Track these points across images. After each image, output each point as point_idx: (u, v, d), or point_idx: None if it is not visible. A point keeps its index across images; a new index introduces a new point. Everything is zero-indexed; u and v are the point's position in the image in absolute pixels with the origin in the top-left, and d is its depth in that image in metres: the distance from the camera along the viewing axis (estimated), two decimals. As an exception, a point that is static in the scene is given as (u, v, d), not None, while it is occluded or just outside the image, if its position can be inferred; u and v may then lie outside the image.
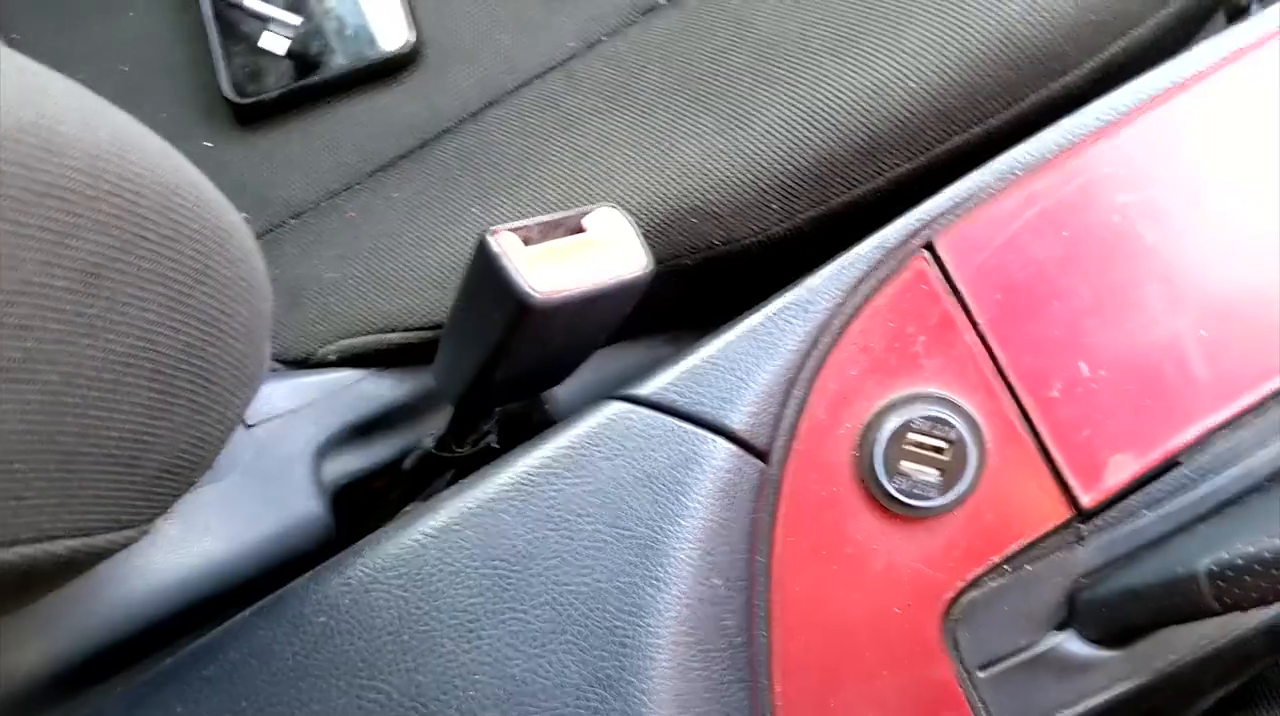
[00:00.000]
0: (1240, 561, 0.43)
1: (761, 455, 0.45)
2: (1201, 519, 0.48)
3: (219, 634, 0.43)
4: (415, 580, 0.42)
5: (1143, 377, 0.46)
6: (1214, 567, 0.43)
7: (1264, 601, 0.40)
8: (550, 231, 0.42)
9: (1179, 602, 0.44)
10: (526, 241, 0.41)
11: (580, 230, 0.42)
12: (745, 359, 0.45)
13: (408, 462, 0.54)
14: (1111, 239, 0.46)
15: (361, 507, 0.55)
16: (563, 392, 0.58)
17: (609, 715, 0.41)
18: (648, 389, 0.44)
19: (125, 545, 0.39)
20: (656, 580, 0.42)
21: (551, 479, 0.43)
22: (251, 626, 0.43)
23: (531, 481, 0.43)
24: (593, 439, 0.44)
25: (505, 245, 0.40)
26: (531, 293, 0.39)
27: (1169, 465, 0.48)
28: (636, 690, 0.41)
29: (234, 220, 0.40)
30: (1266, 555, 0.43)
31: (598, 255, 0.42)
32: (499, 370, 0.43)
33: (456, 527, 0.43)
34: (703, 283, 0.54)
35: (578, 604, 0.42)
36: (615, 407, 0.44)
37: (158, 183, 0.35)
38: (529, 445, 0.44)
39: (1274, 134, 0.47)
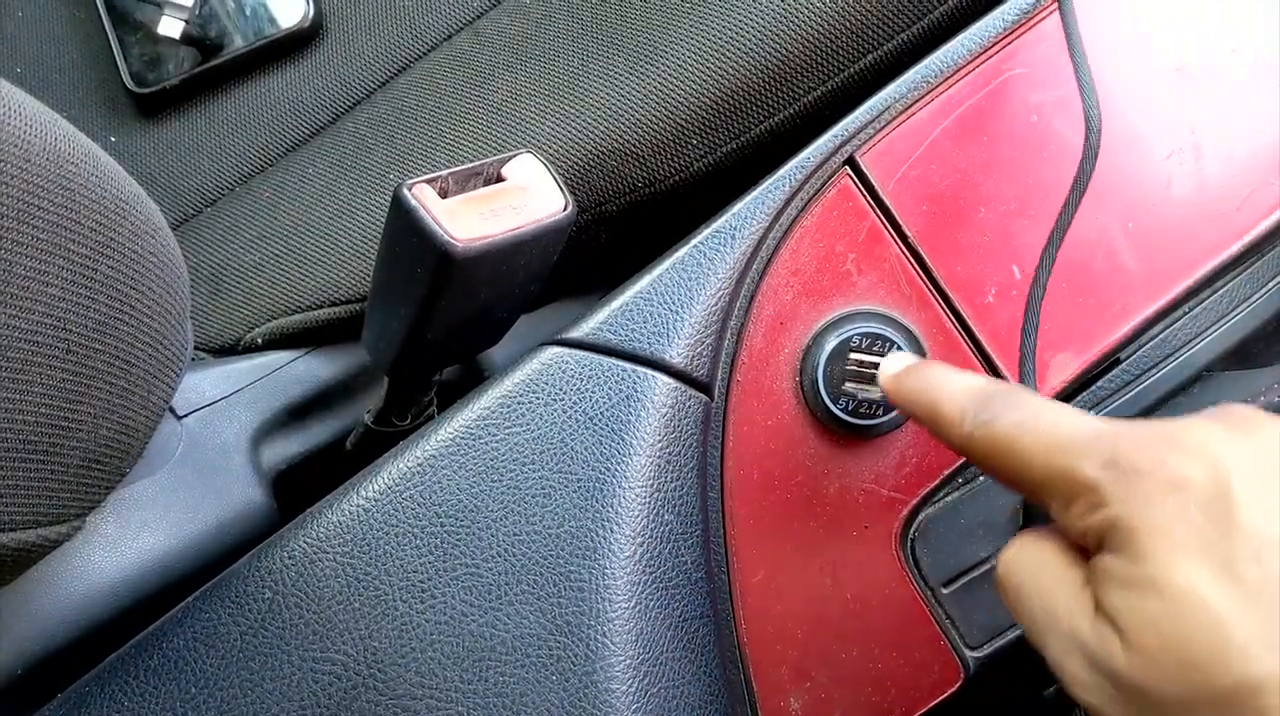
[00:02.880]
0: (1186, 446, 0.43)
1: (704, 388, 0.44)
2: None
3: (162, 623, 0.42)
4: (361, 545, 0.41)
5: (1075, 276, 0.46)
6: (1162, 455, 0.43)
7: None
8: (467, 181, 0.41)
9: (1131, 495, 0.44)
10: (443, 193, 0.40)
11: (500, 179, 0.42)
12: (677, 292, 0.44)
13: (350, 442, 0.53)
14: (1030, 139, 0.46)
15: (308, 494, 0.54)
16: (500, 357, 0.57)
17: (572, 661, 0.40)
18: (581, 330, 0.44)
19: (58, 542, 0.37)
20: (607, 521, 0.41)
21: (491, 430, 0.42)
22: (195, 611, 0.41)
23: (470, 434, 0.42)
24: (529, 386, 0.43)
25: (422, 197, 0.39)
26: (452, 242, 0.38)
27: (1110, 363, 0.48)
28: (597, 633, 0.40)
29: (135, 192, 0.38)
30: (1211, 436, 0.43)
31: (517, 201, 0.41)
32: (429, 329, 0.42)
33: (399, 488, 0.42)
34: (631, 230, 0.53)
35: (529, 552, 0.41)
36: (550, 352, 0.43)
37: (49, 150, 0.34)
38: (465, 399, 0.43)
39: (1181, 20, 0.47)
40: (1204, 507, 0.28)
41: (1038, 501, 0.33)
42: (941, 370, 0.38)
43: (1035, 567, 0.33)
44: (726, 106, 0.49)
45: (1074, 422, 0.32)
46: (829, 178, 0.46)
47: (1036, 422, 0.33)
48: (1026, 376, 0.43)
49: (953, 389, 0.36)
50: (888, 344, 0.45)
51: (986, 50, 0.46)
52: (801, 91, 0.49)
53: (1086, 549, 0.32)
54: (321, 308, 0.52)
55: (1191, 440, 0.30)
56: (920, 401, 0.38)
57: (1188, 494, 0.29)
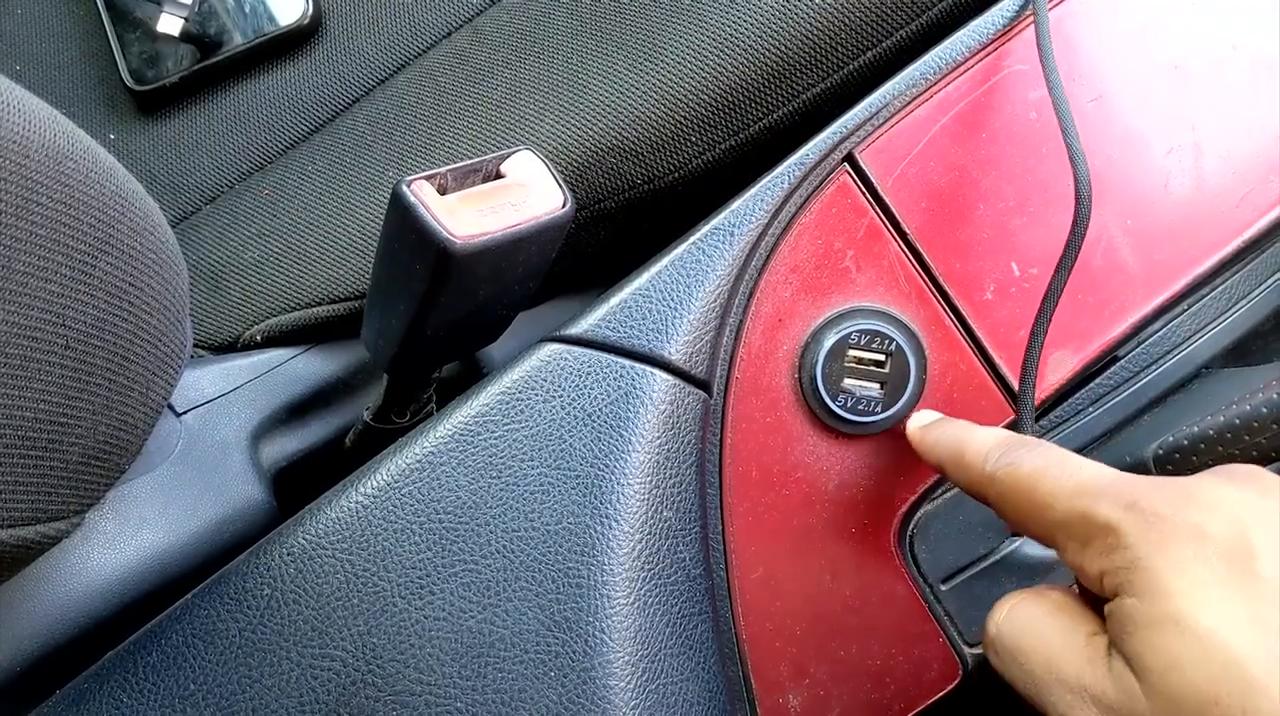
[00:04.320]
0: (1186, 442, 0.43)
1: (702, 384, 0.44)
2: (1145, 410, 0.48)
3: (161, 620, 0.42)
4: (360, 542, 0.41)
5: (1074, 273, 0.46)
6: (1160, 451, 0.43)
7: (1211, 478, 0.41)
8: (466, 178, 0.41)
9: (1130, 492, 0.44)
10: (442, 190, 0.40)
11: (499, 176, 0.42)
12: (675, 288, 0.44)
13: (349, 439, 0.53)
14: (1029, 137, 0.46)
15: (307, 491, 0.54)
16: (499, 354, 0.57)
17: (570, 657, 0.40)
18: (580, 327, 0.44)
19: (57, 538, 0.37)
20: (606, 517, 0.41)
21: (489, 427, 0.42)
22: (194, 608, 0.41)
23: (469, 431, 0.42)
24: (528, 382, 0.43)
25: (420, 194, 0.39)
26: (451, 239, 0.38)
27: (1108, 359, 0.48)
28: (596, 630, 0.40)
29: (135, 189, 0.38)
30: (1210, 432, 0.43)
31: (516, 198, 0.41)
32: (428, 326, 0.42)
33: (397, 485, 0.42)
34: (629, 228, 0.53)
35: (528, 549, 0.41)
36: (548, 349, 0.43)
37: (48, 147, 0.34)
38: (464, 396, 0.43)
39: (1181, 17, 0.47)
40: (1225, 557, 0.29)
41: (1050, 544, 0.34)
42: (968, 423, 0.41)
43: (1033, 624, 0.34)
44: (725, 103, 0.49)
45: (1095, 469, 0.34)
46: (828, 174, 0.46)
47: (1061, 468, 0.34)
48: (1027, 381, 0.43)
49: (981, 436, 0.38)
50: (887, 341, 0.45)
51: (985, 47, 0.46)
52: (800, 88, 0.49)
53: (1092, 599, 0.33)
54: (321, 305, 0.52)
55: (1211, 496, 0.31)
56: (947, 445, 0.40)
57: (1208, 544, 0.29)
